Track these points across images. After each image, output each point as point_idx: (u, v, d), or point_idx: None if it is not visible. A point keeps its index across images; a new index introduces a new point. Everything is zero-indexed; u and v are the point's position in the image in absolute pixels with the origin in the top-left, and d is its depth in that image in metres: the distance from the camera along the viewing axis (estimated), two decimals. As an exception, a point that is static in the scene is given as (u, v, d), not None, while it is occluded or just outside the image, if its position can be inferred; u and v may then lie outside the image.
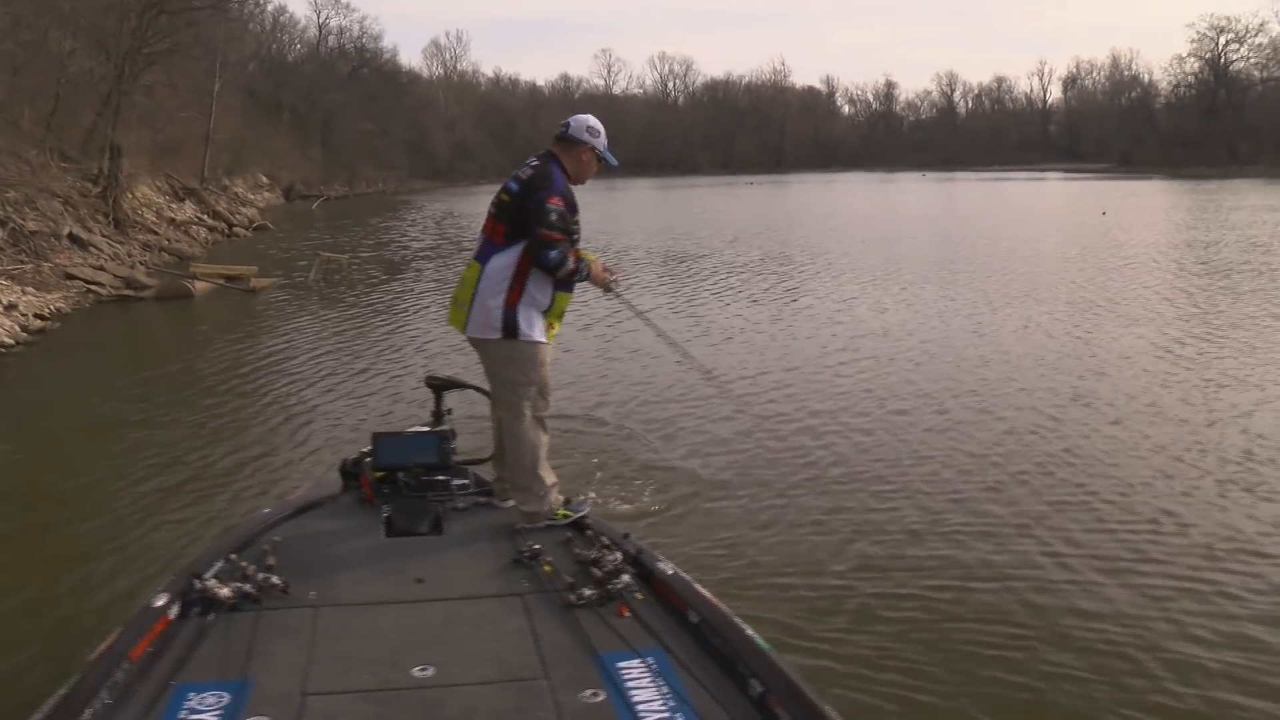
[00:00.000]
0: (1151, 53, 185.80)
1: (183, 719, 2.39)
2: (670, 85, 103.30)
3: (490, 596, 3.14)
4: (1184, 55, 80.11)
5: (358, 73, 66.35)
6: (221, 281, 16.25)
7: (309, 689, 2.54)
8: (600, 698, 2.51)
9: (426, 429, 4.31)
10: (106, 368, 10.47)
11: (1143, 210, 32.49)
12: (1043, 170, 77.61)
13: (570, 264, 3.76)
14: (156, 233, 22.11)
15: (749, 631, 2.83)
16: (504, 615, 3.00)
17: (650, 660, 2.68)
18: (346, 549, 3.53)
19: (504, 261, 3.78)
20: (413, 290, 15.79)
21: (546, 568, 3.29)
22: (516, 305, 3.77)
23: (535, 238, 3.71)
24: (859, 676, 3.83)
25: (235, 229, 28.52)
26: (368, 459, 4.10)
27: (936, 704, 3.68)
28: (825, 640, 4.11)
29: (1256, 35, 74.14)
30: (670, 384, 8.45)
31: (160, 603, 2.90)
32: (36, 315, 12.28)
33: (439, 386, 4.53)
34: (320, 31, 66.95)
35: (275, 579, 3.10)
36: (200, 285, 15.59)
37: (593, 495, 5.48)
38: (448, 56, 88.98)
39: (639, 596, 3.07)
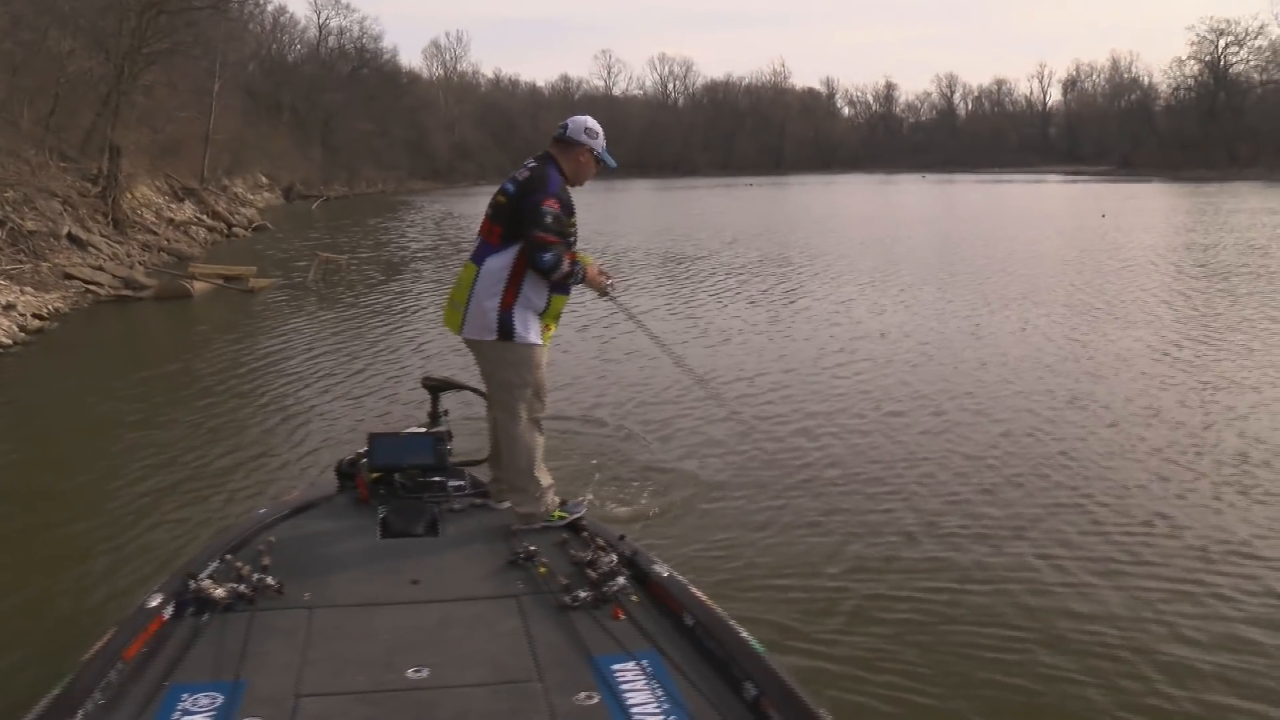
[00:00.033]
0: (1151, 55, 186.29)
1: None
2: (670, 86, 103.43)
3: (485, 598, 3.14)
4: (1184, 58, 79.95)
5: (358, 73, 66.37)
6: (220, 282, 16.25)
7: (303, 690, 2.54)
8: (594, 700, 2.51)
9: (423, 430, 4.31)
10: (104, 368, 10.46)
11: (1142, 213, 32.50)
12: (1042, 172, 77.64)
13: (565, 266, 3.76)
14: (156, 233, 22.11)
15: (744, 634, 2.83)
16: (499, 617, 3.00)
17: (645, 663, 2.68)
18: (342, 550, 3.53)
19: (500, 263, 3.77)
20: (411, 291, 15.78)
21: (542, 569, 3.29)
22: (512, 307, 3.77)
23: (530, 240, 3.71)
24: (855, 678, 3.84)
25: (234, 229, 28.51)
26: (364, 460, 4.10)
27: (932, 705, 3.68)
28: (821, 642, 4.12)
29: (1256, 38, 74.22)
30: (667, 385, 8.45)
31: (155, 603, 2.90)
32: (35, 315, 12.28)
33: (435, 388, 4.53)
34: (320, 32, 67.10)
35: (270, 579, 3.10)
36: (199, 285, 15.59)
37: (590, 497, 5.48)
38: (448, 57, 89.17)
39: (634, 599, 3.07)
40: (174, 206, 27.11)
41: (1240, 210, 31.99)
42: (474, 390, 4.42)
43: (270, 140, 47.51)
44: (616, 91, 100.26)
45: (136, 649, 2.70)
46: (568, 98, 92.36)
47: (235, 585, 3.03)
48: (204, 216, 28.22)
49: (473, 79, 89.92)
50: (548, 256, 3.71)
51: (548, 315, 3.87)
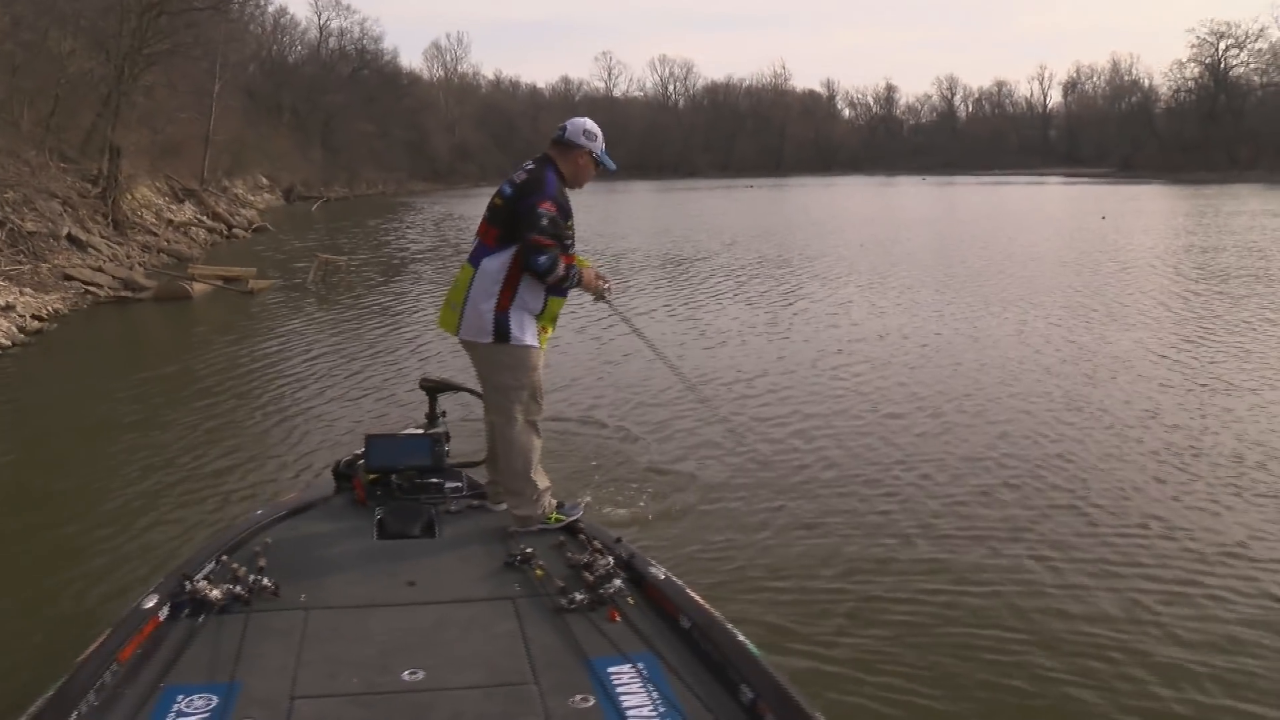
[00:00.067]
0: (1152, 58, 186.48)
1: None
2: (671, 88, 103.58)
3: (481, 600, 3.14)
4: (1184, 60, 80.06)
5: (358, 74, 66.41)
6: (220, 283, 16.25)
7: (298, 692, 2.54)
8: (590, 703, 2.50)
9: (421, 431, 4.31)
10: (103, 369, 10.46)
11: (1142, 215, 32.52)
12: (1042, 174, 77.72)
13: (560, 270, 3.74)
14: (156, 234, 22.10)
15: (740, 637, 2.82)
16: (495, 619, 2.99)
17: (641, 665, 2.68)
18: (338, 551, 3.52)
19: (496, 265, 3.76)
20: (410, 292, 15.79)
21: (538, 572, 3.28)
22: (508, 309, 3.75)
23: (525, 243, 3.70)
24: (852, 679, 3.84)
25: (235, 230, 28.53)
26: (361, 461, 4.10)
27: (929, 707, 3.68)
28: (819, 643, 4.12)
29: (1256, 40, 74.21)
30: (665, 387, 8.44)
31: (150, 604, 2.90)
32: (34, 316, 12.28)
33: (433, 389, 4.53)
34: (321, 33, 67.19)
35: (266, 581, 3.09)
36: (198, 287, 15.59)
37: (588, 499, 5.47)
38: (448, 58, 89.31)
39: (630, 601, 3.07)
40: (174, 208, 27.11)
41: (1240, 213, 32.01)
42: (472, 392, 4.42)
43: (271, 141, 47.54)
44: (617, 93, 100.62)
45: (131, 650, 2.69)
46: (568, 99, 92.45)
47: (231, 586, 3.03)
48: (204, 218, 28.23)
49: (473, 80, 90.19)
50: (542, 260, 3.69)
51: (544, 318, 3.86)
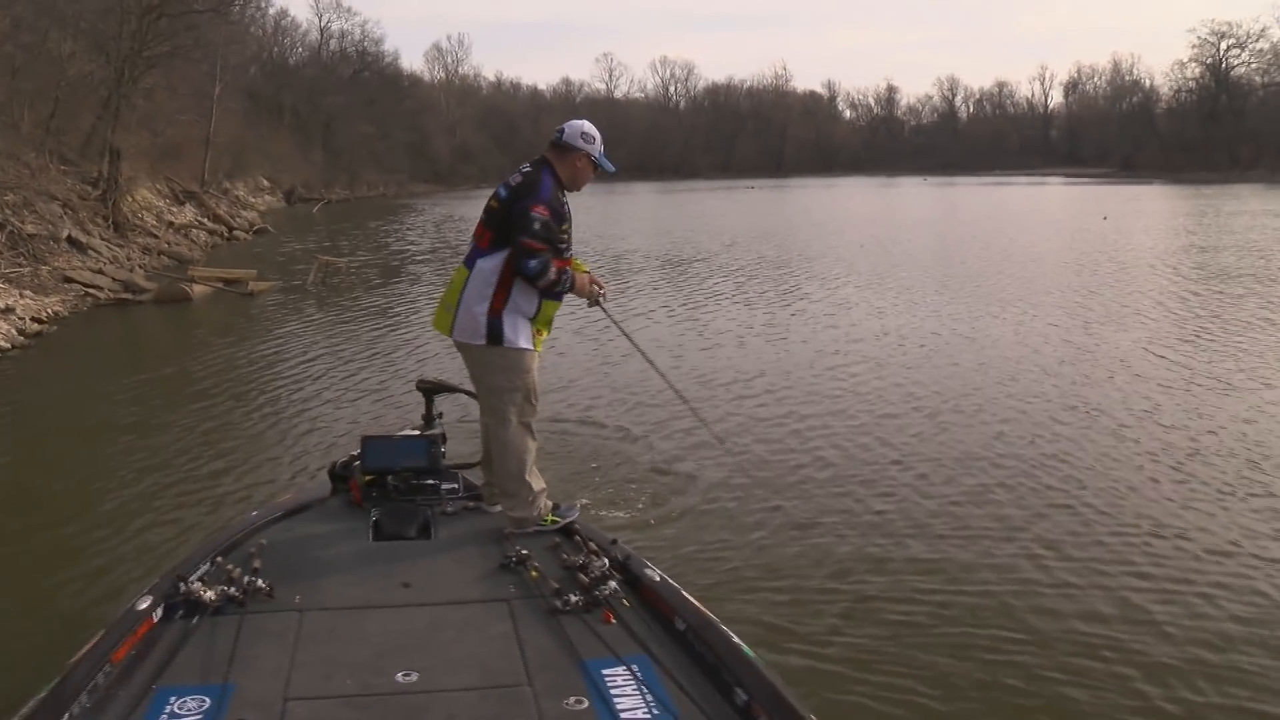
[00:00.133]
0: (1153, 58, 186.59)
1: None
2: (672, 89, 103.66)
3: (476, 602, 3.13)
4: (1185, 60, 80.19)
5: (359, 76, 66.41)
6: (220, 285, 16.25)
7: (291, 694, 2.53)
8: (584, 705, 2.50)
9: (417, 433, 4.30)
10: (102, 371, 10.46)
11: (1143, 215, 32.51)
12: (1044, 175, 77.74)
13: (551, 275, 3.72)
14: (156, 236, 22.12)
15: (735, 639, 2.81)
16: (489, 621, 2.99)
17: (635, 667, 2.67)
18: (333, 553, 3.51)
19: (490, 267, 3.75)
20: (410, 294, 15.80)
21: (533, 573, 3.27)
22: (501, 312, 3.74)
23: (517, 246, 3.69)
24: (847, 678, 3.84)
25: (235, 232, 28.53)
26: (357, 462, 4.09)
27: (924, 705, 3.68)
28: (814, 642, 4.12)
29: (1258, 41, 74.24)
30: (663, 387, 8.33)
31: (144, 605, 2.89)
32: (34, 319, 12.28)
33: (430, 390, 4.53)
34: (322, 35, 67.17)
35: (260, 582, 3.08)
36: (198, 289, 15.59)
37: (584, 501, 5.46)
38: (449, 60, 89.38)
39: (625, 603, 3.06)
40: (174, 210, 27.12)
41: (1241, 212, 32.00)
42: (468, 393, 4.41)
43: (271, 143, 47.55)
44: (618, 94, 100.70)
45: (125, 651, 2.69)
46: (569, 100, 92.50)
47: (225, 588, 3.02)
48: (204, 219, 28.24)
49: (474, 82, 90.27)
50: (533, 264, 3.68)
51: (539, 320, 3.85)
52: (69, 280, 14.84)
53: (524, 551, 3.41)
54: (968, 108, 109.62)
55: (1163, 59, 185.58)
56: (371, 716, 2.46)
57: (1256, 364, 9.42)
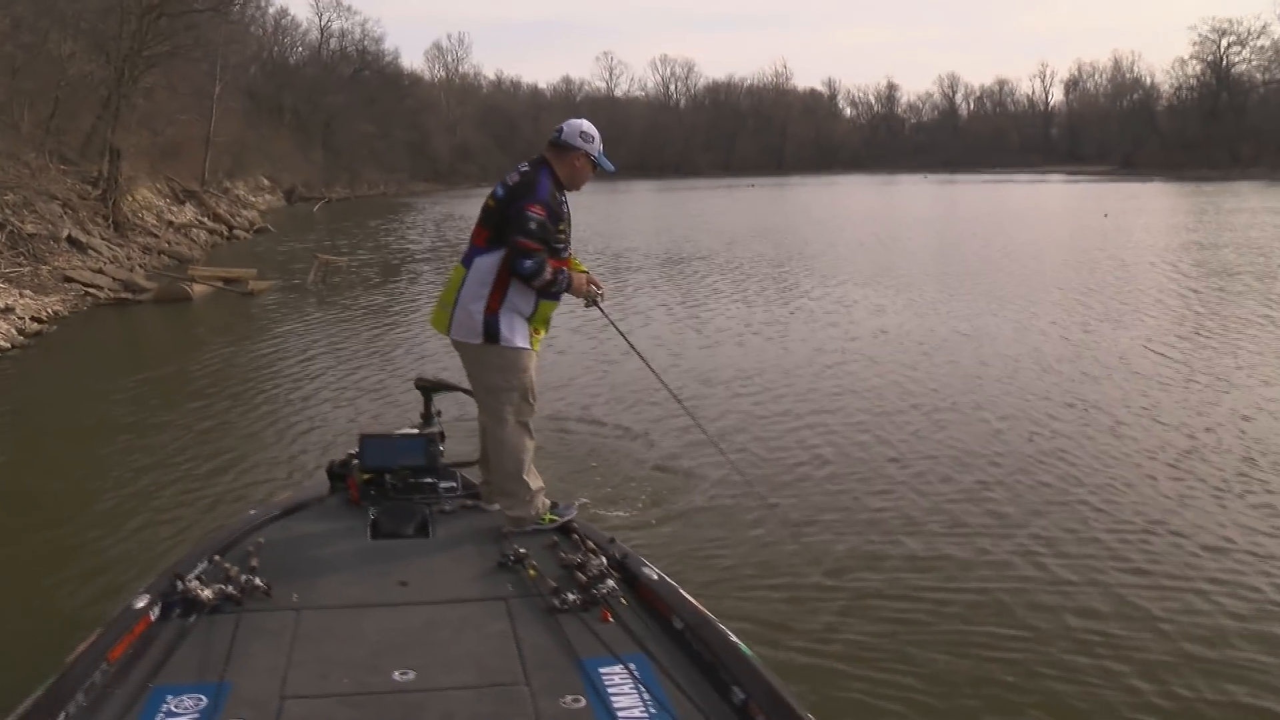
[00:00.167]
0: (1153, 55, 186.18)
1: None
2: (672, 88, 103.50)
3: (474, 600, 3.13)
4: (1186, 58, 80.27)
5: (359, 75, 66.39)
6: (220, 284, 16.25)
7: (288, 692, 2.54)
8: (581, 704, 2.50)
9: (415, 431, 4.30)
10: (102, 371, 10.46)
11: (1143, 213, 32.47)
12: (1044, 173, 77.61)
13: (546, 275, 3.71)
14: (156, 235, 22.11)
15: (733, 638, 2.81)
16: (487, 619, 2.99)
17: (632, 666, 2.67)
18: (331, 551, 3.51)
19: (486, 266, 3.75)
20: (409, 293, 15.80)
21: (531, 572, 3.27)
22: (498, 311, 3.74)
23: (512, 245, 3.68)
24: (845, 675, 3.85)
25: (235, 231, 28.53)
26: (355, 461, 4.09)
27: (922, 703, 3.69)
28: (812, 640, 4.13)
29: (1259, 38, 74.12)
30: (661, 386, 8.42)
31: (141, 604, 2.89)
32: (33, 318, 12.28)
33: (428, 389, 4.52)
34: (322, 34, 67.15)
35: (258, 581, 3.08)
36: (198, 288, 15.59)
37: (582, 499, 5.47)
38: (449, 59, 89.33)
39: (623, 602, 3.06)
40: (174, 209, 27.11)
41: (1241, 210, 31.98)
42: (467, 392, 4.40)
43: (272, 143, 47.56)
44: (618, 93, 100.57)
45: (121, 650, 2.69)
46: (569, 99, 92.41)
47: (223, 586, 3.02)
48: (205, 219, 28.23)
49: (474, 81, 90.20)
50: (528, 264, 3.67)
51: (536, 320, 3.84)
52: (69, 280, 14.84)
53: (522, 550, 3.41)
54: (968, 105, 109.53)
55: (1163, 56, 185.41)
56: (368, 715, 2.46)
57: (1255, 361, 9.42)
